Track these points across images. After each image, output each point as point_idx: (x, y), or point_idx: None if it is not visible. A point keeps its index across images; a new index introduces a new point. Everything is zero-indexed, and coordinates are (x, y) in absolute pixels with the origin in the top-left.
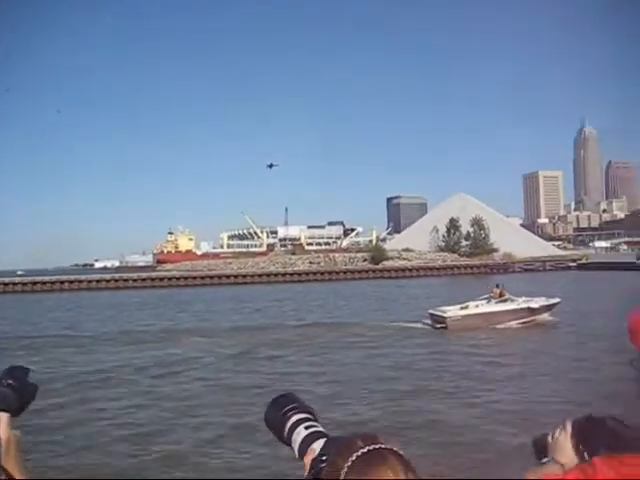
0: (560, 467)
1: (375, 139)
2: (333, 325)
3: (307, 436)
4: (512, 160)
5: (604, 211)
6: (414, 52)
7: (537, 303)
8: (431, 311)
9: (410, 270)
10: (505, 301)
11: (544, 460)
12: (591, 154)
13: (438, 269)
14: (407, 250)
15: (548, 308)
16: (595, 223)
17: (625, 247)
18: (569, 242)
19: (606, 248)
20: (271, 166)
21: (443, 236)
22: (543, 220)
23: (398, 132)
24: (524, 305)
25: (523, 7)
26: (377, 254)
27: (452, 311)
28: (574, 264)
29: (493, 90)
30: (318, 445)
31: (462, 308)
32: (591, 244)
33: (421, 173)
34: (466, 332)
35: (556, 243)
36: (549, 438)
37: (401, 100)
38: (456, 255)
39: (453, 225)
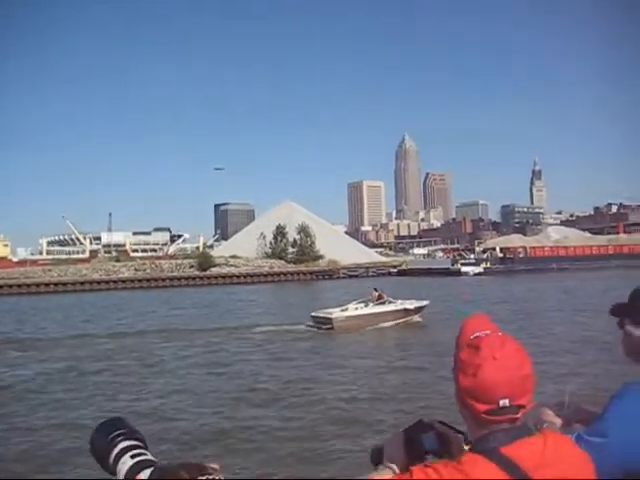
0: (392, 473)
1: (203, 144)
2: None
3: (133, 466)
4: (337, 169)
5: (422, 220)
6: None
7: (412, 305)
8: (314, 314)
9: (238, 277)
10: (384, 303)
11: (380, 467)
12: (411, 166)
13: (265, 275)
14: (234, 257)
15: (419, 309)
16: (414, 231)
17: (441, 254)
18: (390, 249)
19: (424, 255)
20: (218, 169)
21: (270, 243)
22: (366, 228)
23: (225, 139)
24: (401, 307)
25: None
26: (204, 260)
27: (337, 313)
28: (395, 270)
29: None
30: (144, 476)
31: (342, 310)
32: (410, 251)
33: (249, 180)
34: (352, 332)
35: (378, 250)
36: (385, 444)
37: (227, 106)
38: (283, 262)
39: (280, 232)
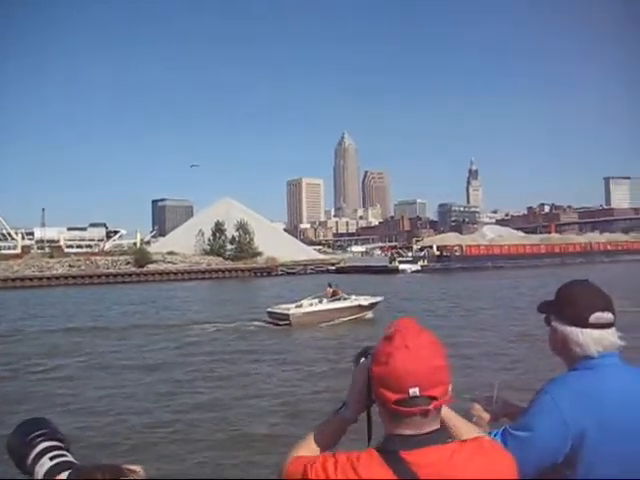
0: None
1: (141, 140)
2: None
3: (52, 467)
4: (277, 166)
5: (361, 218)
6: None
7: (366, 301)
8: (270, 309)
9: (175, 274)
10: (339, 299)
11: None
12: (350, 164)
13: (203, 272)
14: (172, 253)
15: (373, 306)
16: (353, 229)
17: (379, 252)
18: (329, 246)
19: (362, 252)
20: (193, 166)
21: (209, 240)
22: (305, 225)
23: (164, 135)
24: (355, 303)
25: None
26: (141, 257)
27: (294, 309)
28: (333, 267)
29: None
30: (63, 476)
31: (297, 306)
32: (348, 249)
33: (188, 176)
34: (309, 328)
35: (317, 247)
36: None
37: (165, 103)
38: (221, 259)
39: (219, 229)
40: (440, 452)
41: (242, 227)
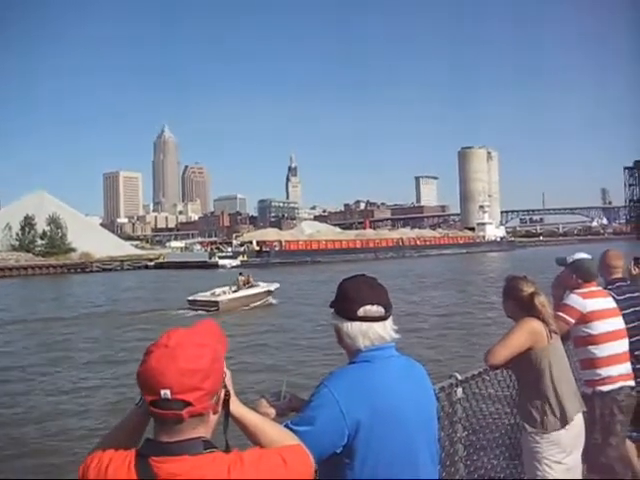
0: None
1: None
2: None
3: None
4: (92, 158)
5: (180, 213)
6: None
7: (272, 287)
8: (192, 297)
9: None
10: (252, 286)
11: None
12: (170, 158)
13: (10, 269)
14: None
15: (273, 291)
16: (172, 224)
17: (199, 247)
18: (147, 242)
19: (181, 248)
20: None
21: (17, 234)
22: (123, 220)
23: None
24: (266, 289)
25: None
26: None
27: (222, 296)
28: (151, 263)
29: None
30: None
31: (212, 294)
32: (168, 244)
33: None
34: (233, 312)
35: (135, 243)
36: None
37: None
38: (31, 255)
39: (28, 223)
40: (185, 463)
41: (54, 221)
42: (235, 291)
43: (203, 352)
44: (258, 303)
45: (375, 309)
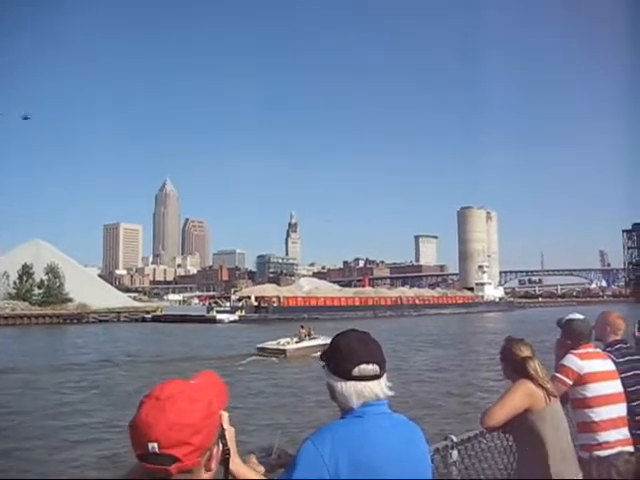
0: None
1: None
2: None
3: None
4: (93, 209)
5: (179, 266)
6: None
7: (327, 340)
8: (261, 345)
9: None
10: (313, 338)
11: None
12: (170, 211)
13: (6, 318)
14: None
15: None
16: (170, 277)
17: (197, 301)
18: (145, 294)
19: (179, 301)
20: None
21: (14, 283)
22: (121, 271)
23: None
24: (324, 341)
25: None
26: None
27: (289, 345)
28: (149, 315)
29: None
30: None
31: (278, 343)
32: (165, 297)
33: None
34: (298, 360)
35: (132, 295)
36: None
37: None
38: (27, 303)
39: (26, 272)
40: None
41: (52, 270)
42: (298, 342)
43: (195, 407)
44: (317, 353)
45: (370, 368)
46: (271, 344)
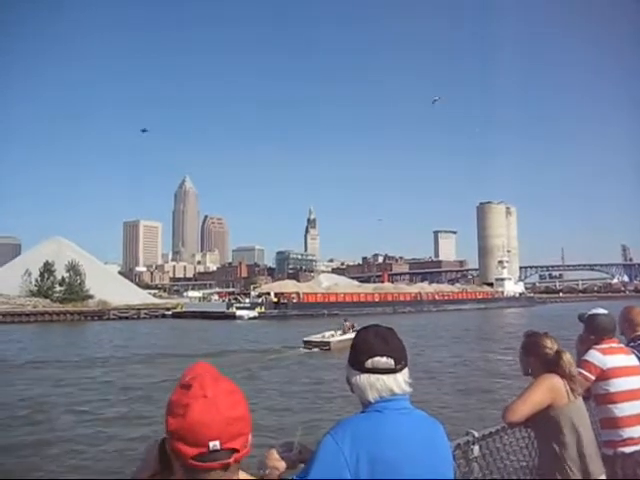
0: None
1: None
2: None
3: None
4: (114, 207)
5: (199, 262)
6: None
7: None
8: (307, 338)
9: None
10: (355, 331)
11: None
12: (190, 208)
13: (28, 315)
14: None
15: None
16: (190, 273)
17: (216, 297)
18: (165, 291)
19: (199, 298)
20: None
21: (36, 280)
22: (141, 268)
23: None
24: None
25: None
26: None
27: (332, 338)
28: (169, 312)
29: None
30: None
31: (323, 336)
32: (185, 293)
33: (16, 212)
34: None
35: (152, 291)
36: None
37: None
38: (49, 300)
39: (47, 269)
40: None
41: (73, 268)
42: (342, 334)
43: (238, 398)
44: None
45: (384, 361)
46: (316, 337)
